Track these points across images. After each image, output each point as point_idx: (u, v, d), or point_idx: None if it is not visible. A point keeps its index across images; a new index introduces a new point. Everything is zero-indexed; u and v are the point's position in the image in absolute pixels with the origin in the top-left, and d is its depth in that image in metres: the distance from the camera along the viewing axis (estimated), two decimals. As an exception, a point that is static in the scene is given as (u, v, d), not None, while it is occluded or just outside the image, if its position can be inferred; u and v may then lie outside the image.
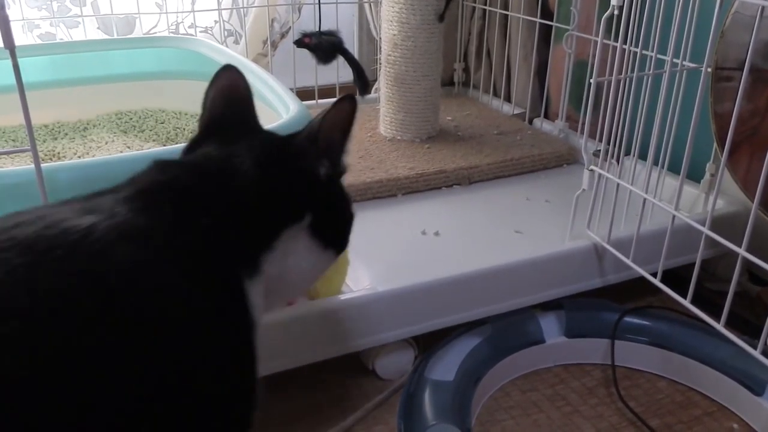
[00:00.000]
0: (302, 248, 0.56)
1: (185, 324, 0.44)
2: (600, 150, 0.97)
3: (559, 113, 1.43)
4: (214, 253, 0.48)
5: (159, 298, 0.43)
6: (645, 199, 0.90)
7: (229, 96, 0.60)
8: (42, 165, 0.69)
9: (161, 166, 0.53)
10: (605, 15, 0.91)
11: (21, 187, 0.71)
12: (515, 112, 1.57)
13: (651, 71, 0.96)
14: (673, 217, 0.86)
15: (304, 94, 1.53)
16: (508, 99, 1.64)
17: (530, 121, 1.53)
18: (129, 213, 0.45)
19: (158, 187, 0.50)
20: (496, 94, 1.68)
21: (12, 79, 0.62)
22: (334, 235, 0.60)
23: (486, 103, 1.66)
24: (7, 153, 0.78)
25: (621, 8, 0.89)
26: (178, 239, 0.46)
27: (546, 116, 1.54)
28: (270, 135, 0.60)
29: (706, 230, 0.80)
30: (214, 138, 0.57)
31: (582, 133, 1.38)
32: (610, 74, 0.92)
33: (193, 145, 0.58)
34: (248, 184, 0.53)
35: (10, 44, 0.62)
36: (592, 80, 0.94)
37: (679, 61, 1.01)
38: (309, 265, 0.58)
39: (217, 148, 0.55)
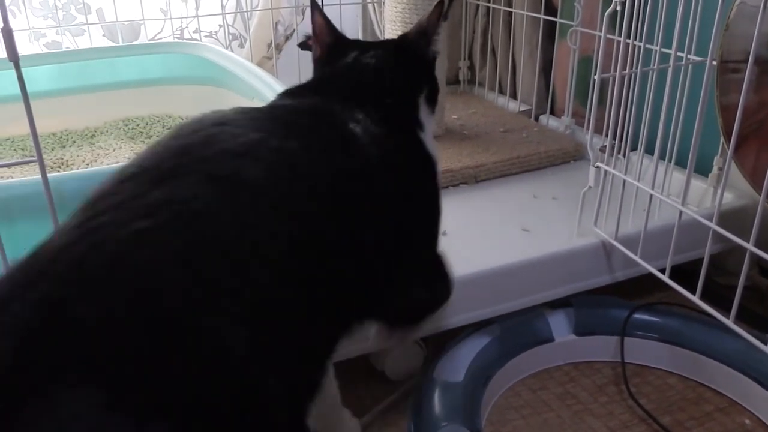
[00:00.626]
0: (425, 111, 0.77)
1: (405, 161, 0.68)
2: (606, 146, 0.97)
3: (565, 109, 1.43)
4: (403, 118, 0.72)
5: (390, 150, 0.65)
6: (652, 195, 0.90)
7: (329, 23, 0.79)
8: (49, 175, 0.70)
9: (348, 70, 0.74)
10: (608, 11, 0.91)
11: (29, 198, 0.72)
12: (521, 109, 1.57)
13: (656, 66, 0.96)
14: (681, 212, 0.85)
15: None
16: (513, 96, 1.64)
17: (536, 118, 1.53)
18: (347, 98, 0.67)
19: (356, 84, 0.72)
20: (501, 92, 1.67)
21: (19, 89, 0.63)
22: (435, 102, 0.80)
23: (492, 101, 1.66)
24: (14, 164, 0.78)
25: (623, 4, 0.88)
26: (386, 111, 0.68)
27: (552, 112, 1.53)
28: (381, 41, 0.84)
29: (713, 225, 0.80)
30: (346, 48, 0.77)
31: (588, 129, 1.38)
32: (615, 70, 0.92)
33: (333, 56, 0.77)
34: (396, 72, 0.75)
35: (14, 57, 0.63)
36: (596, 77, 0.94)
37: (683, 55, 1.00)
38: (428, 125, 0.77)
39: (359, 54, 0.76)
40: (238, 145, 0.52)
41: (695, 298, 0.82)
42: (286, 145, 0.54)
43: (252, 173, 0.50)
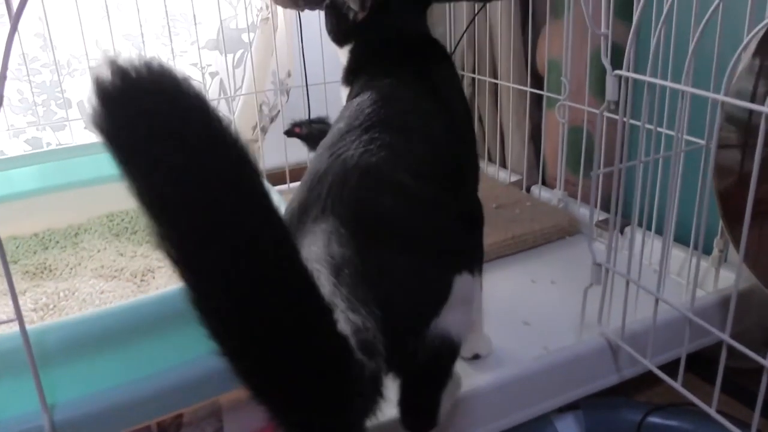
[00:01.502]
0: None
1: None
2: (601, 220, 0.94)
3: (557, 182, 1.41)
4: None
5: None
6: (657, 299, 0.87)
7: None
8: (28, 327, 0.66)
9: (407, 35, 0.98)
10: (601, 109, 0.89)
11: (8, 354, 0.68)
12: (512, 179, 1.55)
13: (650, 156, 0.94)
14: (690, 320, 0.82)
15: (298, 169, 1.52)
16: (503, 165, 1.62)
17: (528, 189, 1.51)
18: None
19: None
20: (491, 160, 1.66)
21: (5, 190, 0.59)
22: None
23: (482, 170, 1.63)
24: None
25: (617, 103, 0.86)
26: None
27: (543, 182, 1.52)
28: None
29: (726, 338, 0.77)
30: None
31: (580, 200, 1.35)
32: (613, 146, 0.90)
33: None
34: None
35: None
36: (593, 173, 0.92)
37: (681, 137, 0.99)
38: None
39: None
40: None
41: (712, 412, 0.79)
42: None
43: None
